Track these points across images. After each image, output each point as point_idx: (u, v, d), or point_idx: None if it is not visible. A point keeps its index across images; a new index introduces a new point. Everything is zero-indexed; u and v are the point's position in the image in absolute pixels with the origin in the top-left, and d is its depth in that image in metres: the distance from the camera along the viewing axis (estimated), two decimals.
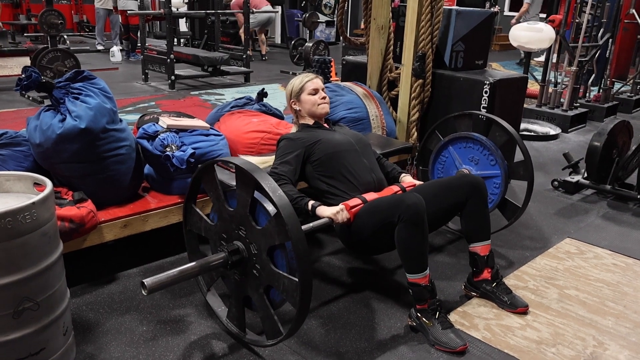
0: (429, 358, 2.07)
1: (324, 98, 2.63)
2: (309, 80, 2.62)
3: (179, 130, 2.73)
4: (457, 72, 3.82)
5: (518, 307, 2.37)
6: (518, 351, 2.12)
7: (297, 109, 2.64)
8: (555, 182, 4.08)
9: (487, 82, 3.59)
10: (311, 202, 2.30)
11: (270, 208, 1.86)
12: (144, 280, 1.77)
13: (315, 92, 2.60)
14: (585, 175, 4.02)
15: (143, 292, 1.77)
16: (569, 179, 4.05)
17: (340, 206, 2.26)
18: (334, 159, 2.46)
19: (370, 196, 2.36)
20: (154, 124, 2.75)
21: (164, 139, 2.63)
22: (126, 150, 2.53)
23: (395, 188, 2.47)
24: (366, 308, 2.40)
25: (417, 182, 2.57)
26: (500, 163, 2.91)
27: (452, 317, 2.31)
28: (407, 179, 2.61)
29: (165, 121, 2.74)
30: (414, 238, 2.10)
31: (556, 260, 2.89)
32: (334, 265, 2.78)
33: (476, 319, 2.33)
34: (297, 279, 1.79)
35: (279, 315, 1.97)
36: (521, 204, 2.96)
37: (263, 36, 10.78)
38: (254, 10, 9.53)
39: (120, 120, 2.58)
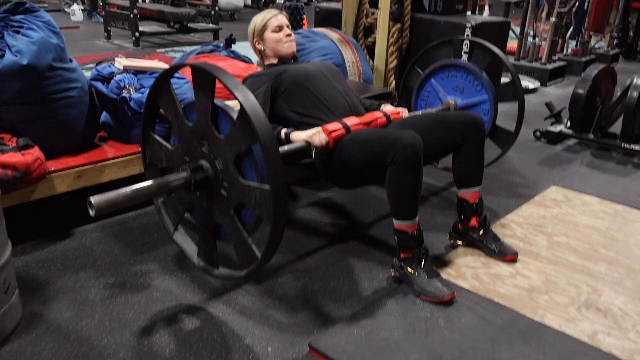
0: (415, 309, 1.91)
1: (289, 35, 2.43)
2: (272, 16, 2.43)
3: (137, 71, 2.47)
4: (437, 16, 3.61)
5: (507, 255, 2.22)
6: (509, 299, 1.98)
7: (261, 48, 2.45)
8: (538, 132, 3.94)
9: (469, 26, 3.40)
10: (284, 130, 2.11)
11: (233, 113, 1.66)
12: (90, 198, 1.54)
13: (279, 29, 2.42)
14: (568, 124, 3.89)
15: (90, 212, 1.54)
16: (551, 128, 3.92)
17: (317, 128, 2.07)
18: (302, 84, 2.26)
19: (350, 121, 2.15)
20: (109, 65, 2.49)
21: (120, 80, 2.38)
22: (77, 92, 2.28)
23: (378, 114, 2.27)
24: (346, 260, 2.22)
25: (401, 110, 2.37)
26: (487, 86, 2.73)
27: (438, 266, 2.15)
28: (389, 107, 2.41)
29: (122, 62, 2.48)
30: (408, 182, 1.91)
31: (543, 207, 2.76)
32: (310, 217, 2.59)
33: (463, 268, 2.18)
34: (268, 187, 1.59)
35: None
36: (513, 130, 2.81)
37: None
38: None
39: (71, 60, 2.32)
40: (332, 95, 2.27)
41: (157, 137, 2.02)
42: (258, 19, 2.44)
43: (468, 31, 3.39)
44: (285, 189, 1.59)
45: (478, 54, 2.85)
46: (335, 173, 2.18)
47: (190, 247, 2.05)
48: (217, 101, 1.73)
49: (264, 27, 2.40)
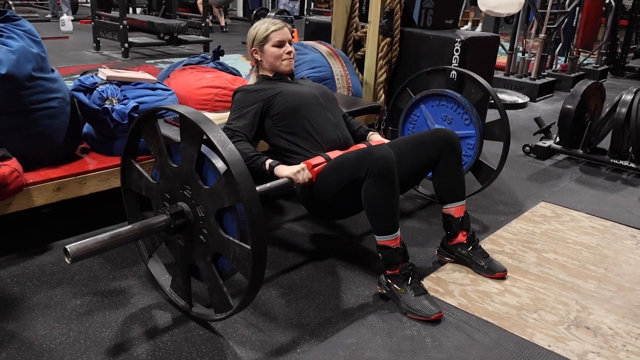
0: (401, 328, 1.86)
1: (289, 53, 2.32)
2: (276, 29, 2.29)
3: (121, 82, 2.43)
4: (427, 31, 3.60)
5: (496, 272, 2.19)
6: (497, 318, 1.94)
7: (258, 58, 2.35)
8: (527, 147, 3.93)
9: (458, 40, 3.38)
10: (269, 161, 2.05)
11: (219, 165, 1.61)
12: (67, 247, 1.48)
13: (280, 44, 2.29)
14: (557, 140, 3.88)
15: (66, 260, 1.49)
16: (540, 144, 3.91)
17: (302, 165, 2.03)
18: (297, 113, 2.20)
19: (335, 154, 2.12)
20: (92, 76, 2.44)
21: (102, 91, 2.33)
22: (58, 103, 2.22)
23: (362, 146, 2.24)
24: (331, 276, 2.18)
25: (386, 141, 2.34)
26: (475, 122, 2.71)
27: (425, 283, 2.10)
28: (375, 137, 2.38)
29: (105, 72, 2.44)
30: (384, 194, 1.88)
31: (532, 223, 2.73)
32: (296, 231, 2.54)
33: (451, 285, 2.13)
34: (249, 247, 1.55)
35: (229, 286, 1.73)
36: (495, 167, 2.78)
37: (216, 10, 10.45)
38: None
39: (53, 70, 2.27)
40: (325, 128, 2.23)
41: (138, 166, 1.94)
42: (261, 28, 2.30)
43: (457, 46, 3.38)
44: (265, 252, 1.56)
45: (471, 87, 2.81)
46: (317, 205, 2.14)
47: (163, 277, 1.99)
48: (204, 149, 1.66)
49: (265, 39, 2.28)
